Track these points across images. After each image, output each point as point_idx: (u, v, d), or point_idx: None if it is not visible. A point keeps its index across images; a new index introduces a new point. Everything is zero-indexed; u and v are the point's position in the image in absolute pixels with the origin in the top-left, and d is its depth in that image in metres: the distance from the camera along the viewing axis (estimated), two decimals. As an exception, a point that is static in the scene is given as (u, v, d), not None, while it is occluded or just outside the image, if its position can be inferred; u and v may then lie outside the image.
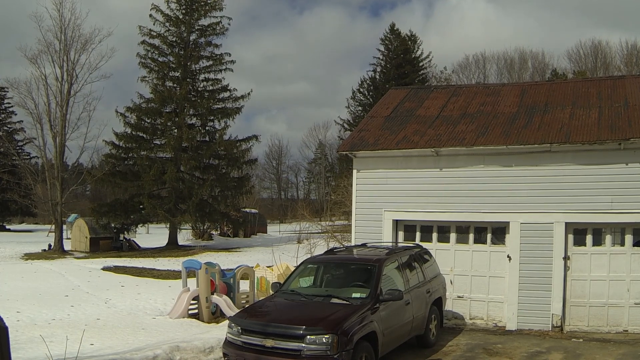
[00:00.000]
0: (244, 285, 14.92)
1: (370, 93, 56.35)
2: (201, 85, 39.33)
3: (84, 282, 20.01)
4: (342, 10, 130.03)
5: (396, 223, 13.57)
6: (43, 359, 8.94)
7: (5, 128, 57.47)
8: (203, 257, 27.03)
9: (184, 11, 38.81)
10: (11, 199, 50.00)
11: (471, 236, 13.04)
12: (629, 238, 11.70)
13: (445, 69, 59.11)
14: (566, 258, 11.93)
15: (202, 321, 13.05)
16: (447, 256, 12.97)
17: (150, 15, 38.11)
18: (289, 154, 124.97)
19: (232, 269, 15.16)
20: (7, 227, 59.75)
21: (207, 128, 38.94)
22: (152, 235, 46.68)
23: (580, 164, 11.89)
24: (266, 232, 52.20)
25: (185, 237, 43.61)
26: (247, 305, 12.70)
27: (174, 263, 27.55)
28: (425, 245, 12.52)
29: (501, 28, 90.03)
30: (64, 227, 38.71)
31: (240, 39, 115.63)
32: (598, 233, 11.97)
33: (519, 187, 12.29)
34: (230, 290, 14.00)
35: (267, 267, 16.18)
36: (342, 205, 26.10)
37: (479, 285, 12.76)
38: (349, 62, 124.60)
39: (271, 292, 10.52)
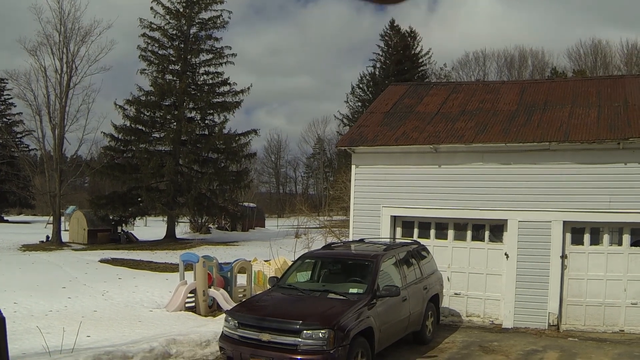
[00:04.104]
0: (242, 279, 14.93)
1: (370, 89, 56.19)
2: (201, 79, 39.20)
3: (81, 274, 19.99)
4: (348, 3, 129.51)
5: (394, 219, 13.58)
6: (40, 350, 8.95)
7: (5, 120, 57.26)
8: (201, 251, 27.03)
9: (184, 4, 38.64)
10: (9, 190, 49.97)
11: (469, 233, 13.05)
12: (626, 238, 11.72)
13: (445, 66, 58.98)
14: (564, 257, 11.96)
15: (199, 314, 13.06)
16: (444, 253, 12.98)
17: (151, 8, 37.95)
18: (288, 148, 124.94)
19: (229, 263, 15.15)
20: (5, 218, 59.62)
21: (206, 122, 38.83)
22: (150, 228, 46.63)
23: (579, 162, 11.90)
24: (264, 227, 52.16)
25: (183, 230, 43.58)
26: (244, 299, 12.73)
27: (171, 256, 27.53)
28: (422, 241, 12.50)
29: (502, 25, 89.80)
30: (62, 218, 38.65)
31: (242, 30, 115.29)
32: (596, 232, 11.99)
33: (517, 185, 12.31)
34: (227, 284, 14.01)
35: (265, 261, 16.16)
36: (340, 201, 26.07)
37: (476, 283, 12.78)
38: (353, 56, 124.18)
39: (268, 287, 10.53)
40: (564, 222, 11.94)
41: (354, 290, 9.26)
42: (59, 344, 8.99)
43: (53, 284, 17.21)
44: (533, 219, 12.14)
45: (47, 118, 35.09)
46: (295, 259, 11.41)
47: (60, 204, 35.98)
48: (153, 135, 38.01)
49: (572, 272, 11.95)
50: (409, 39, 57.36)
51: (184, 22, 38.68)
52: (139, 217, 40.17)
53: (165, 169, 35.79)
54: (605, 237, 11.92)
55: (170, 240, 36.88)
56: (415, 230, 13.58)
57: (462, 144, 12.67)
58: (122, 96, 54.47)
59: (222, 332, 8.97)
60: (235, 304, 11.46)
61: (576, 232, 12.07)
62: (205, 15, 39.11)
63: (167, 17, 38.42)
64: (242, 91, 39.09)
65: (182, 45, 38.50)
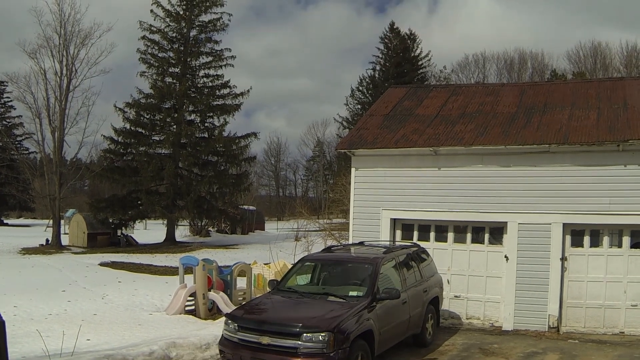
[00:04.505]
0: (241, 282, 14.93)
1: (370, 91, 56.28)
2: (201, 82, 39.25)
3: (81, 277, 20.00)
4: (348, 6, 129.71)
5: (394, 222, 13.57)
6: (40, 353, 8.95)
7: (4, 122, 57.32)
8: (200, 254, 27.02)
9: (184, 7, 38.71)
10: (9, 193, 49.93)
11: (469, 236, 13.04)
12: (626, 240, 11.71)
13: (444, 68, 59.18)
14: (563, 259, 11.95)
15: (199, 318, 13.06)
16: (444, 255, 12.98)
17: (151, 11, 38.02)
18: (288, 151, 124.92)
19: (229, 266, 15.17)
20: (5, 221, 59.64)
21: (206, 124, 38.83)
22: (149, 231, 46.63)
23: (578, 164, 11.90)
24: (264, 230, 52.15)
25: (182, 233, 43.57)
26: (244, 302, 12.71)
27: (171, 259, 27.55)
28: (422, 244, 12.51)
29: (502, 28, 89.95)
30: (62, 222, 38.62)
31: (242, 33, 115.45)
32: (595, 234, 11.98)
33: (517, 187, 12.30)
34: (227, 287, 14.01)
35: (265, 264, 16.18)
36: (340, 204, 26.07)
37: (476, 285, 12.77)
38: (353, 59, 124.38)
39: (268, 290, 10.52)
40: (564, 224, 11.93)
41: (354, 293, 9.25)
42: (58, 347, 8.98)
43: (53, 287, 17.22)
44: (533, 221, 12.13)
45: (46, 121, 35.12)
46: (295, 262, 11.40)
47: (60, 207, 35.96)
48: (153, 138, 38.01)
49: (572, 274, 11.94)
50: (409, 41, 57.49)
51: (184, 24, 38.73)
52: (139, 220, 40.18)
53: (165, 172, 35.81)
54: (605, 239, 11.91)
55: (170, 244, 36.88)
56: (415, 233, 13.57)
57: (461, 147, 12.67)
58: (122, 99, 54.41)
59: (222, 335, 8.96)
60: (235, 307, 11.45)
61: (576, 234, 12.07)
62: (205, 18, 39.24)
63: (167, 19, 38.50)
64: (241, 94, 39.14)
65: (182, 48, 38.56)
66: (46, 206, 40.46)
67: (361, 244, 11.99)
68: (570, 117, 12.90)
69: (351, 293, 9.28)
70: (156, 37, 38.32)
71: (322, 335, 7.91)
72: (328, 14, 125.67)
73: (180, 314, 13.17)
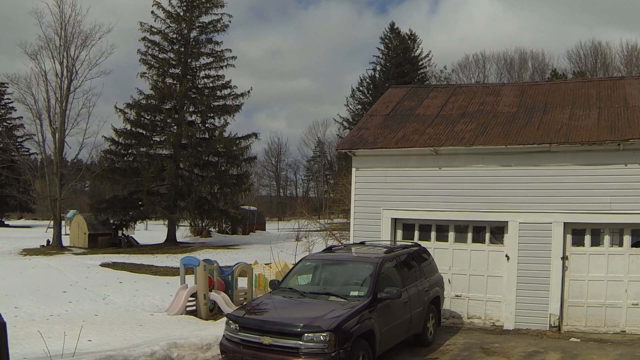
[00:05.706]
0: (242, 283, 14.93)
1: (370, 91, 56.34)
2: (201, 82, 39.29)
3: (82, 278, 19.99)
4: (349, 6, 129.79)
5: (395, 221, 13.57)
6: (41, 354, 8.95)
7: (5, 124, 57.37)
8: (201, 254, 27.03)
9: (184, 8, 38.76)
10: (10, 194, 50.03)
11: (470, 235, 13.04)
12: (627, 239, 11.71)
13: (445, 68, 59.21)
14: (564, 258, 11.95)
15: (200, 318, 13.07)
16: (445, 255, 12.97)
17: (152, 12, 38.10)
18: (288, 151, 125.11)
19: (230, 266, 15.17)
20: (6, 222, 59.71)
21: (206, 125, 38.88)
22: (150, 231, 46.64)
23: (579, 164, 11.90)
24: (264, 230, 52.17)
25: (183, 234, 43.58)
26: (245, 303, 12.72)
27: (172, 260, 27.54)
28: (423, 244, 12.51)
29: (502, 27, 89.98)
30: (63, 223, 38.65)
31: (243, 33, 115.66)
32: (596, 233, 11.97)
33: (517, 186, 12.30)
34: (228, 288, 14.01)
35: (266, 264, 16.19)
36: (340, 204, 26.07)
37: (477, 285, 12.77)
38: (353, 59, 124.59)
39: (269, 290, 10.52)
40: (565, 223, 11.93)
41: (355, 293, 9.25)
42: (60, 348, 8.98)
43: (54, 288, 17.22)
44: (534, 220, 12.13)
45: (47, 122, 35.22)
46: (296, 262, 11.40)
47: (60, 208, 35.99)
48: (153, 139, 38.05)
49: (573, 273, 11.94)
50: (409, 41, 57.55)
51: (184, 25, 38.76)
52: (140, 221, 40.22)
53: (165, 172, 35.83)
54: (606, 238, 11.91)
55: (171, 244, 36.90)
56: (416, 233, 13.57)
57: (462, 146, 12.67)
58: (123, 100, 54.08)
59: (223, 335, 8.96)
60: (236, 308, 11.46)
61: (577, 233, 12.06)
62: (205, 19, 39.31)
63: (168, 20, 38.54)
64: (242, 94, 39.18)
65: (183, 49, 38.59)
66: (47, 207, 40.48)
67: (362, 243, 12.00)
68: (571, 116, 12.90)
69: (352, 293, 9.29)
70: (157, 38, 38.39)
71: (323, 335, 7.91)
72: (329, 14, 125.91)
73: (182, 314, 13.17)
